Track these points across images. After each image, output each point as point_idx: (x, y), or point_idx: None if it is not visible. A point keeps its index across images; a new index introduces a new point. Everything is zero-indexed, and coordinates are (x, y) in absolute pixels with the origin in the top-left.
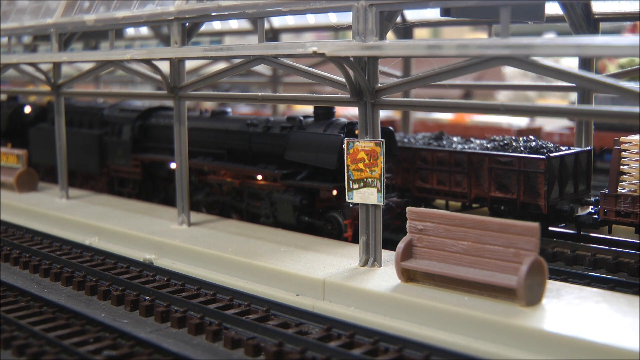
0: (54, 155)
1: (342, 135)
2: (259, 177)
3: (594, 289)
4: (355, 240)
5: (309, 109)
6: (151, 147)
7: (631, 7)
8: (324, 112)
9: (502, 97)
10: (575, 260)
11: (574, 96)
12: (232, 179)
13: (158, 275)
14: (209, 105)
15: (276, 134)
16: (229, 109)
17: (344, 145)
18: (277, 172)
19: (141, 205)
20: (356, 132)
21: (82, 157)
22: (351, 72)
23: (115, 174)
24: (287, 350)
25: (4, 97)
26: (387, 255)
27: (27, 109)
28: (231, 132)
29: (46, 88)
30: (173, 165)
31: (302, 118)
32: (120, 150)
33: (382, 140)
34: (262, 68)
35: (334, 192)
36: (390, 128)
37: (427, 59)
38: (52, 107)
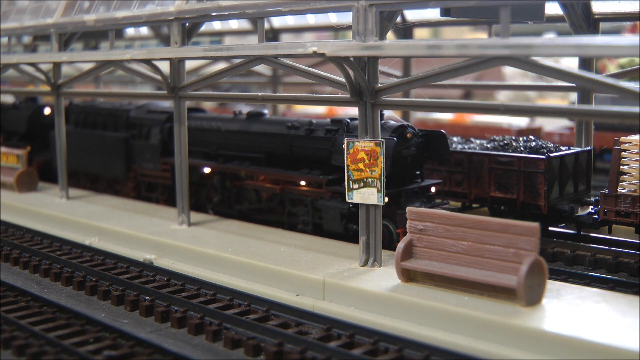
0: (77, 158)
1: (394, 138)
2: (302, 182)
3: (594, 289)
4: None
5: (309, 109)
6: None
7: (631, 7)
8: None
9: (502, 97)
10: (575, 260)
11: (574, 96)
12: (272, 185)
13: (158, 275)
14: (208, 105)
15: (320, 137)
16: (265, 111)
17: (344, 146)
18: (322, 178)
19: (141, 205)
20: (408, 135)
21: (107, 160)
22: (351, 72)
23: (143, 178)
24: (287, 350)
25: (5, 97)
26: (387, 255)
27: (47, 111)
28: (270, 135)
29: (46, 88)
30: (206, 170)
31: (348, 120)
32: (148, 154)
33: (382, 140)
34: (262, 68)
35: (385, 199)
36: (442, 131)
37: (427, 59)
38: (74, 108)
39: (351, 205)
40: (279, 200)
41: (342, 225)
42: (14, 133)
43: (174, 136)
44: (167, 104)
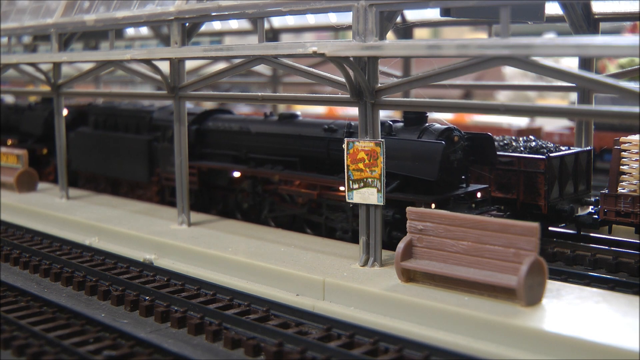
0: (97, 161)
1: (442, 142)
2: (342, 188)
3: (594, 289)
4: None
5: (309, 109)
6: (208, 154)
7: (631, 7)
8: (416, 117)
9: (502, 97)
10: (575, 260)
11: (574, 96)
12: (308, 190)
13: (158, 275)
14: (208, 105)
15: None
16: (298, 112)
17: (344, 146)
18: None
19: (141, 205)
20: (455, 138)
21: (129, 164)
22: (351, 72)
23: (167, 182)
24: (287, 350)
25: (18, 99)
26: (387, 255)
27: (64, 112)
28: (306, 138)
29: (46, 88)
30: (236, 174)
31: (390, 123)
32: (173, 157)
33: (382, 140)
34: (262, 68)
35: (433, 206)
36: (488, 134)
37: (427, 59)
38: (94, 109)
39: (394, 212)
40: (316, 206)
41: (386, 233)
42: (30, 135)
43: (201, 138)
44: (189, 105)
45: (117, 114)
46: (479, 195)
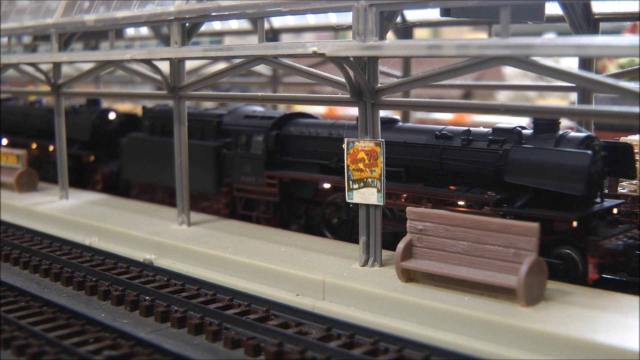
0: (154, 170)
1: (589, 152)
2: (461, 202)
3: (594, 289)
4: (597, 284)
5: (309, 109)
6: (290, 163)
7: (631, 7)
8: (547, 123)
9: (502, 97)
10: None
11: (574, 96)
12: (417, 205)
13: (158, 275)
14: (207, 105)
15: (483, 150)
16: (397, 117)
17: (344, 146)
18: (489, 197)
19: (141, 205)
20: (596, 147)
21: (193, 173)
22: (351, 72)
23: (239, 193)
24: (287, 350)
25: (39, 99)
26: (387, 255)
27: (112, 115)
28: (413, 145)
29: (46, 88)
30: (326, 185)
31: (519, 129)
32: (248, 166)
33: (382, 140)
34: (262, 68)
35: (574, 224)
36: (629, 144)
37: (427, 59)
38: (149, 113)
39: None
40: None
41: None
42: (75, 140)
43: (281, 145)
44: (259, 108)
45: None
46: (614, 211)
